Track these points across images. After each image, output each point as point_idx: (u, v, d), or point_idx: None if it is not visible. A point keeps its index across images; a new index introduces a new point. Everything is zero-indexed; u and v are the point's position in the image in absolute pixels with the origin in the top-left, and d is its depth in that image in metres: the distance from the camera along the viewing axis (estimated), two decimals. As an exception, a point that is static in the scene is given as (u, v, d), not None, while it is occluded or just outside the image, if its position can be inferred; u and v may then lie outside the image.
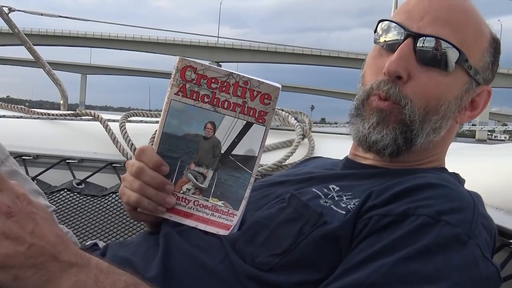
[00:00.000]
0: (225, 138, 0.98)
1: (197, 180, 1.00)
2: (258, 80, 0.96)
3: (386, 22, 1.09)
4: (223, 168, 1.00)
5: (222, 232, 0.99)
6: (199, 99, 0.96)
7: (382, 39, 1.08)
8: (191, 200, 1.01)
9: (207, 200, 1.00)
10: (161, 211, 1.00)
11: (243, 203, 1.00)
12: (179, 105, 0.97)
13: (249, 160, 0.99)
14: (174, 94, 0.96)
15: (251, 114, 0.97)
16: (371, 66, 1.09)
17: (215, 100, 0.96)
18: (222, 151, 0.99)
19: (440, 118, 1.04)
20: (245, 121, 0.98)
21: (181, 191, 1.00)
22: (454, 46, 1.02)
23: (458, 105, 1.06)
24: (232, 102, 0.96)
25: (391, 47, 1.06)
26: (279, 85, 0.97)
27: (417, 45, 1.02)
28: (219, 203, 1.00)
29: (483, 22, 1.09)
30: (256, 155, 0.99)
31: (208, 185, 1.00)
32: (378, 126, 1.04)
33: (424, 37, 1.02)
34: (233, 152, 0.99)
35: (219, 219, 1.00)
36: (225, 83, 0.96)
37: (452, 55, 1.02)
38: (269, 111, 0.97)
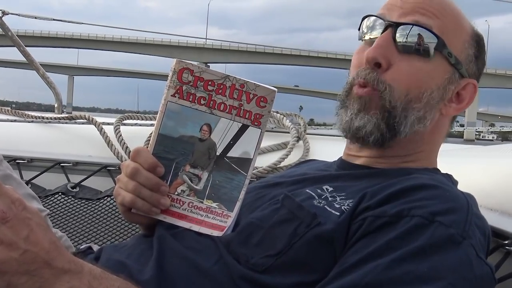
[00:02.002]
0: (220, 140, 0.99)
1: (192, 182, 1.00)
2: (254, 83, 0.97)
3: (368, 18, 1.12)
4: (218, 170, 1.00)
5: (216, 233, 0.99)
6: (196, 101, 0.97)
7: (365, 34, 1.11)
8: (185, 202, 1.01)
9: (202, 202, 1.00)
10: (155, 212, 0.99)
11: (238, 204, 1.01)
12: (175, 107, 0.97)
13: (244, 162, 1.00)
14: (171, 95, 0.97)
15: (247, 116, 0.98)
16: (354, 61, 1.12)
17: (211, 102, 0.97)
18: (218, 153, 0.99)
19: (423, 106, 1.05)
20: (241, 124, 0.98)
21: (176, 193, 1.00)
22: (432, 33, 1.04)
23: (442, 95, 1.07)
24: (228, 105, 0.97)
25: (372, 40, 1.08)
26: (275, 88, 0.98)
27: (397, 34, 1.05)
28: (214, 204, 1.00)
29: (463, 17, 1.11)
30: (251, 157, 1.00)
31: (203, 187, 1.00)
32: (360, 113, 1.05)
33: (403, 25, 1.04)
34: (228, 154, 1.00)
35: (213, 220, 1.00)
36: (222, 86, 0.97)
37: (431, 42, 1.04)
38: (265, 114, 0.98)
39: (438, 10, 1.06)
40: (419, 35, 1.03)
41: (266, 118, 0.99)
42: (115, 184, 2.12)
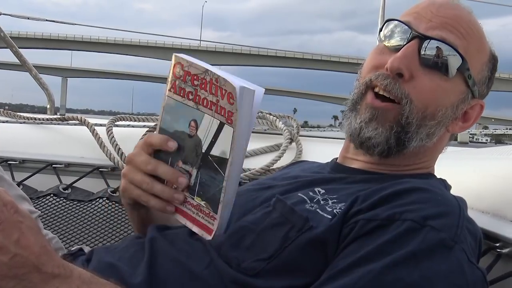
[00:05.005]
0: (205, 137, 0.95)
1: None
2: (224, 78, 0.89)
3: (393, 22, 1.09)
4: (204, 168, 0.96)
5: (206, 236, 0.98)
6: (185, 96, 0.95)
7: (387, 38, 1.09)
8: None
9: (193, 198, 0.98)
10: (172, 204, 1.00)
11: (220, 207, 0.95)
12: (171, 102, 0.96)
13: (224, 162, 0.93)
14: (168, 90, 0.96)
15: (222, 113, 0.92)
16: (372, 62, 1.10)
17: (197, 97, 0.94)
18: (203, 151, 0.95)
19: (436, 124, 1.05)
20: (219, 121, 0.93)
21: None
22: (458, 53, 1.03)
23: (453, 113, 1.07)
24: (209, 100, 0.92)
25: (395, 46, 1.06)
26: (237, 85, 0.88)
27: (422, 46, 1.03)
28: (202, 203, 0.97)
29: (485, 37, 1.10)
30: (227, 157, 0.93)
31: (193, 184, 0.98)
32: (372, 123, 1.04)
33: (430, 39, 1.03)
34: (211, 153, 0.95)
35: (202, 219, 0.98)
36: (203, 80, 0.92)
37: (455, 61, 1.03)
38: (234, 112, 0.89)
39: (465, 30, 1.05)
40: (445, 53, 1.03)
41: (236, 117, 0.90)
42: (107, 186, 2.09)
